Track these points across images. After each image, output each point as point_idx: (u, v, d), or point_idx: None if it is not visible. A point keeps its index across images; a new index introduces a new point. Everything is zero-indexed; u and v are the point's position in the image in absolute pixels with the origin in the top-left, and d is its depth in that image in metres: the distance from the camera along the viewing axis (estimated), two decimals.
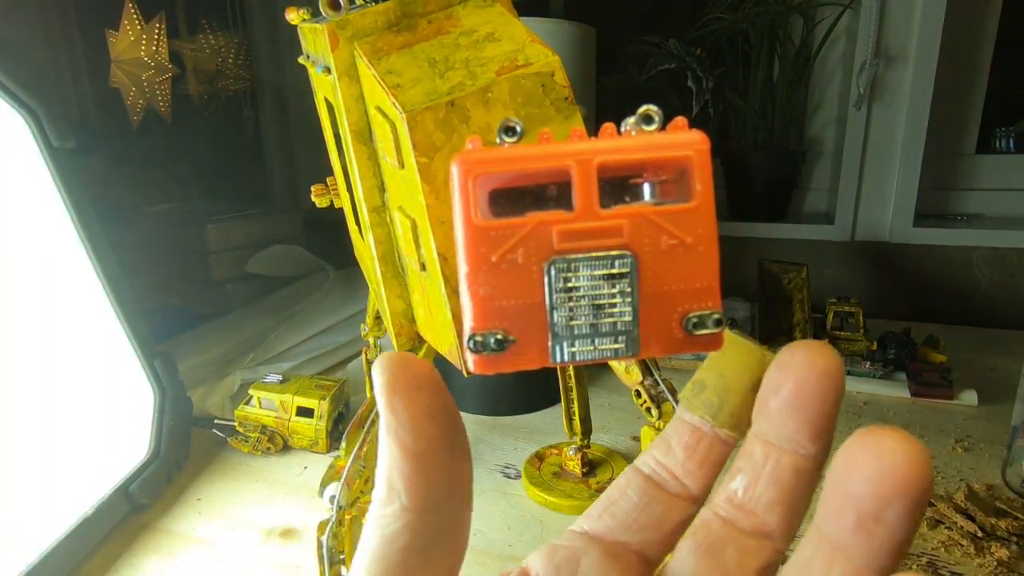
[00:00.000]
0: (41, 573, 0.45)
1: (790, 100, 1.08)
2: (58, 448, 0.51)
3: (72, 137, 0.54)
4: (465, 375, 0.23)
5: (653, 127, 0.13)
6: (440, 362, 0.89)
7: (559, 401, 0.59)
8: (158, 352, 0.61)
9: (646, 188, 0.14)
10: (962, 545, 0.48)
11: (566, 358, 0.13)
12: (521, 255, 0.13)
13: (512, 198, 0.13)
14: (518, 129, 0.13)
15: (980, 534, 0.49)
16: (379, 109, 0.23)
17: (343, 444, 0.28)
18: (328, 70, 0.25)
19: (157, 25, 1.03)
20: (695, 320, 0.13)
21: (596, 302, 0.13)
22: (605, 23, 0.90)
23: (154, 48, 1.03)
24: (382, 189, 0.26)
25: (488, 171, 0.13)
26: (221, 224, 1.05)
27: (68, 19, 0.98)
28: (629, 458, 0.62)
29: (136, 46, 1.01)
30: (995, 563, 0.46)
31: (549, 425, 0.70)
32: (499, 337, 0.13)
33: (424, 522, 0.15)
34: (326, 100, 0.29)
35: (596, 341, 0.13)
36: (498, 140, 0.13)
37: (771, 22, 1.04)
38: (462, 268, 0.13)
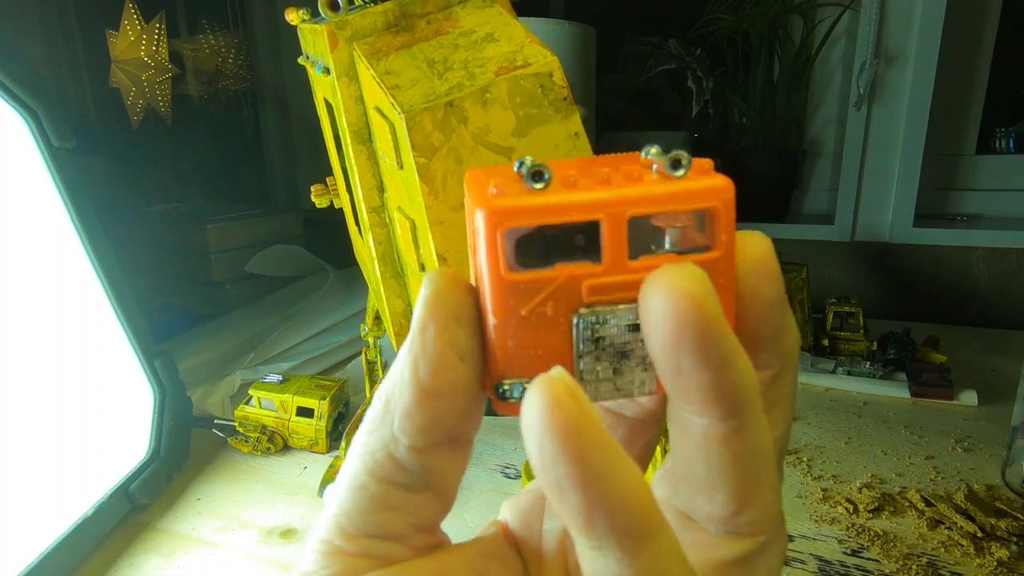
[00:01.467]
0: (41, 573, 0.45)
1: (790, 100, 1.08)
2: (58, 448, 0.51)
3: (72, 137, 0.54)
4: None
5: (681, 172, 0.13)
6: None
7: None
8: (158, 352, 0.61)
9: (668, 232, 0.14)
10: (962, 545, 0.48)
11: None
12: (550, 308, 0.13)
13: (536, 241, 0.13)
14: (546, 175, 0.13)
15: (980, 534, 0.49)
16: (378, 110, 0.23)
17: (343, 444, 0.28)
18: (327, 70, 0.25)
19: (157, 25, 1.03)
20: None
21: (621, 349, 0.13)
22: (605, 23, 0.90)
23: (154, 48, 1.03)
24: (381, 189, 0.25)
25: (517, 224, 0.12)
26: (221, 224, 1.05)
27: (68, 19, 0.98)
28: None
29: (136, 46, 1.01)
30: (995, 563, 0.46)
31: None
32: (526, 385, 0.13)
33: (414, 460, 0.14)
34: (325, 101, 0.28)
35: (618, 383, 0.14)
36: (525, 182, 0.13)
37: (771, 22, 1.04)
38: (490, 318, 0.13)
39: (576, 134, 0.21)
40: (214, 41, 1.19)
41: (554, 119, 0.21)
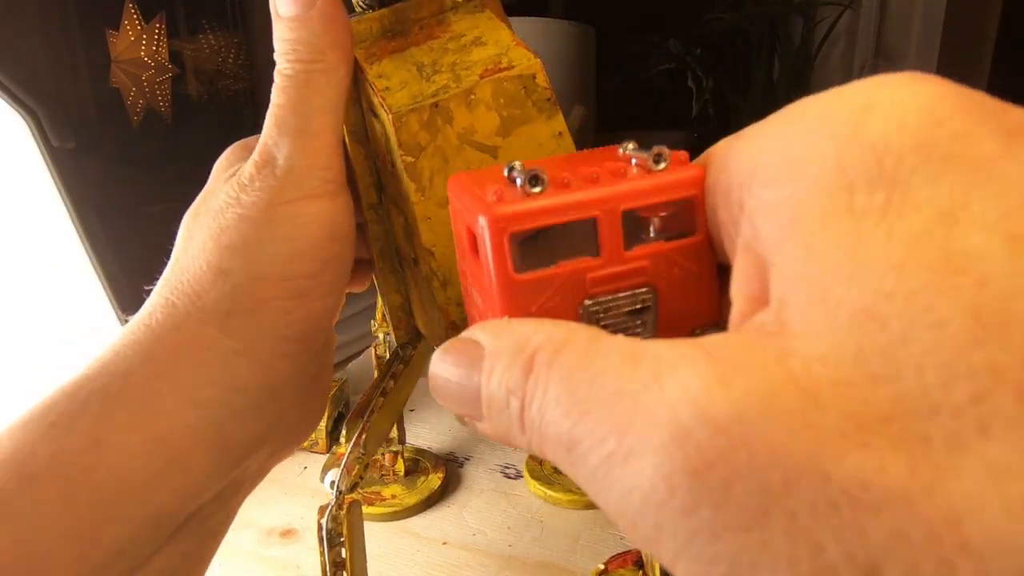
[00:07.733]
0: None
1: (790, 100, 1.08)
2: None
3: (72, 137, 0.54)
4: None
5: (663, 166, 0.14)
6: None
7: None
8: None
9: (652, 221, 0.15)
10: None
11: None
12: (557, 302, 0.14)
13: (537, 241, 0.14)
14: (543, 178, 0.13)
15: None
16: (371, 111, 0.24)
17: (343, 432, 0.29)
18: None
19: (157, 25, 1.03)
20: (699, 333, 0.15)
21: (623, 333, 0.14)
22: (605, 23, 0.90)
23: (154, 48, 1.03)
24: (379, 187, 0.26)
25: (521, 228, 0.13)
26: None
27: (68, 19, 0.98)
28: None
29: (136, 46, 1.02)
30: None
31: None
32: None
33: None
34: None
35: None
36: (519, 185, 0.14)
37: (771, 22, 1.04)
38: (501, 319, 0.14)
39: (560, 133, 0.22)
40: (214, 41, 1.19)
41: (538, 119, 0.22)
